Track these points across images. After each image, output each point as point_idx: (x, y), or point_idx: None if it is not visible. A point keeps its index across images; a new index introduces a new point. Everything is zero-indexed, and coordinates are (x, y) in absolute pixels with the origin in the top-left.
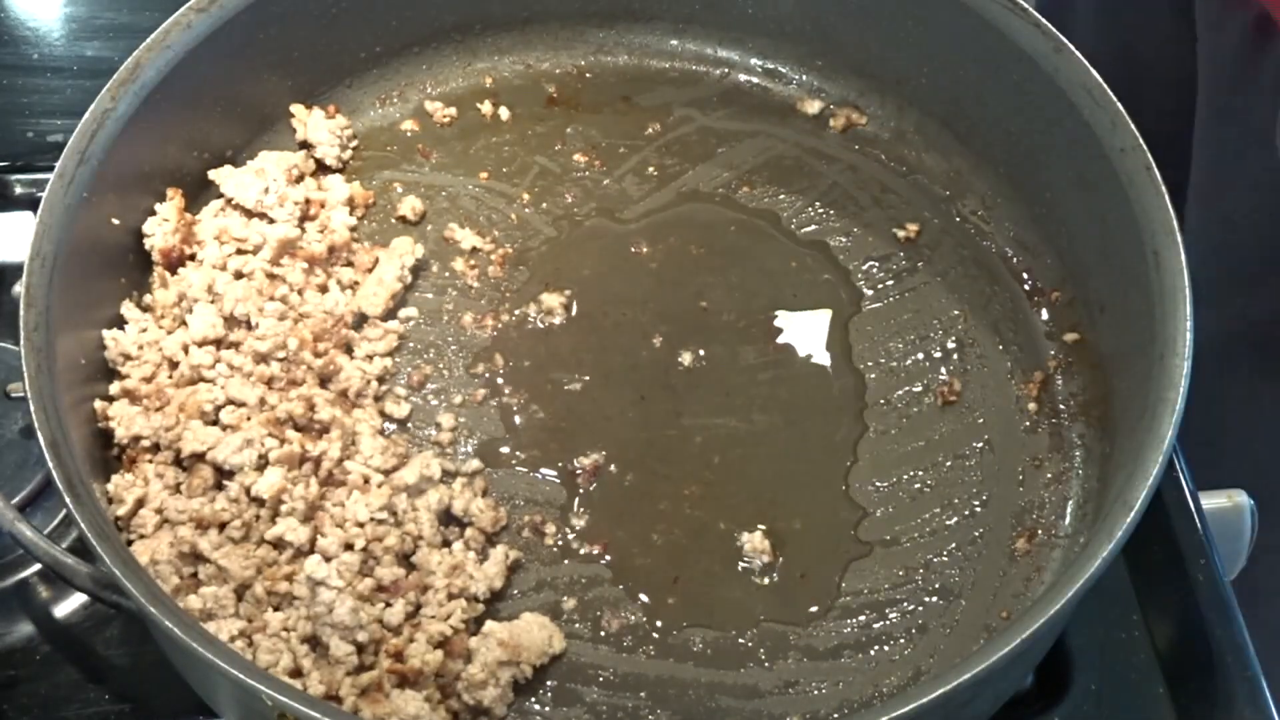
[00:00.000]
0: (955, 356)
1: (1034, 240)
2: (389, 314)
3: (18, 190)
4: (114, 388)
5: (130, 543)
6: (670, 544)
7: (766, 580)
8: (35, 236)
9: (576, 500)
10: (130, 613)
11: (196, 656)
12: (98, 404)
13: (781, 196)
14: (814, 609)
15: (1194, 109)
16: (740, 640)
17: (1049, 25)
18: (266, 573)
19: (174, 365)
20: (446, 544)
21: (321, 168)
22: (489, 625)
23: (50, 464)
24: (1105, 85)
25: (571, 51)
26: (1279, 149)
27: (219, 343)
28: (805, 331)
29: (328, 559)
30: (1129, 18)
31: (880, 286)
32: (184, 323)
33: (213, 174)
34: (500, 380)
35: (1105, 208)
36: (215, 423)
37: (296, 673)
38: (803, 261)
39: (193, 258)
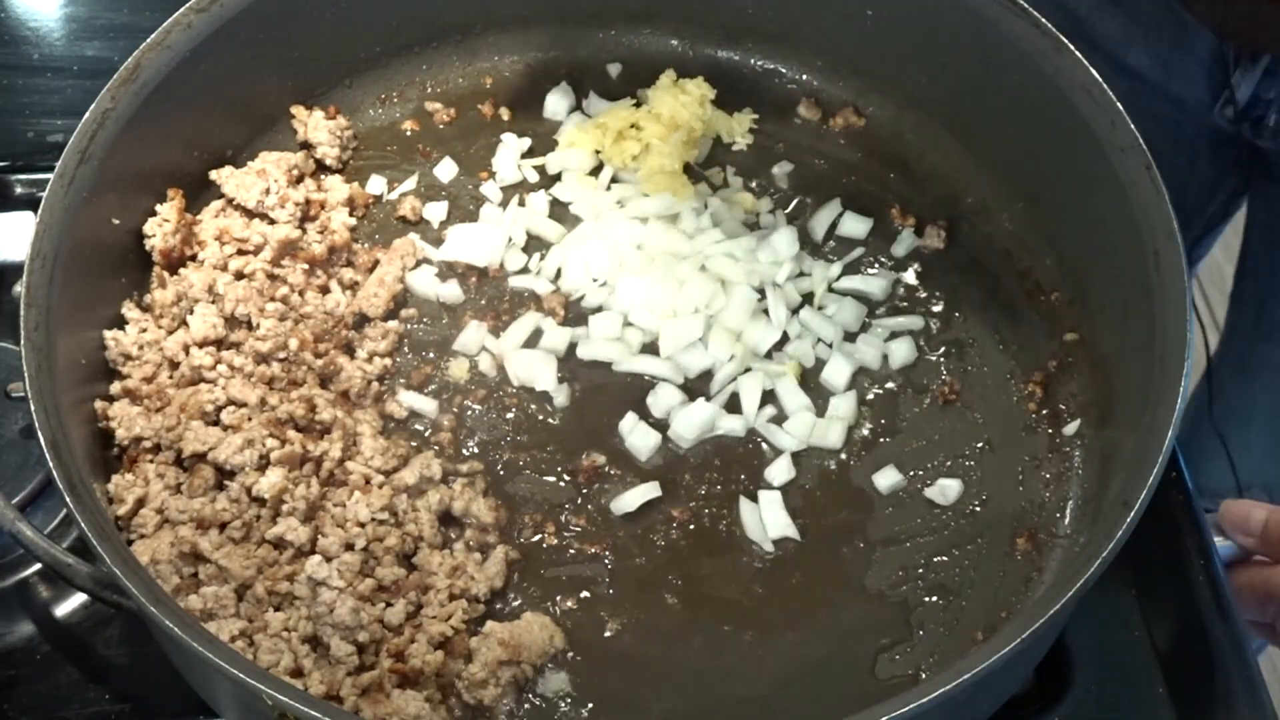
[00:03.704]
0: (955, 356)
1: (1034, 240)
2: (389, 314)
3: (18, 190)
4: (115, 388)
5: (130, 543)
6: (670, 544)
7: (766, 580)
8: (35, 236)
9: (577, 500)
10: (130, 613)
11: (197, 656)
12: (98, 404)
13: (781, 195)
14: (813, 608)
15: None
16: (740, 638)
17: (1049, 25)
18: (267, 573)
19: (174, 365)
20: (447, 544)
21: (321, 168)
22: (489, 625)
23: (50, 464)
24: (1105, 85)
25: (571, 51)
26: None
27: (220, 343)
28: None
29: (329, 559)
30: None
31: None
32: (184, 323)
33: (213, 174)
34: (500, 380)
35: (1105, 208)
36: (216, 423)
37: (297, 673)
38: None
39: (193, 258)
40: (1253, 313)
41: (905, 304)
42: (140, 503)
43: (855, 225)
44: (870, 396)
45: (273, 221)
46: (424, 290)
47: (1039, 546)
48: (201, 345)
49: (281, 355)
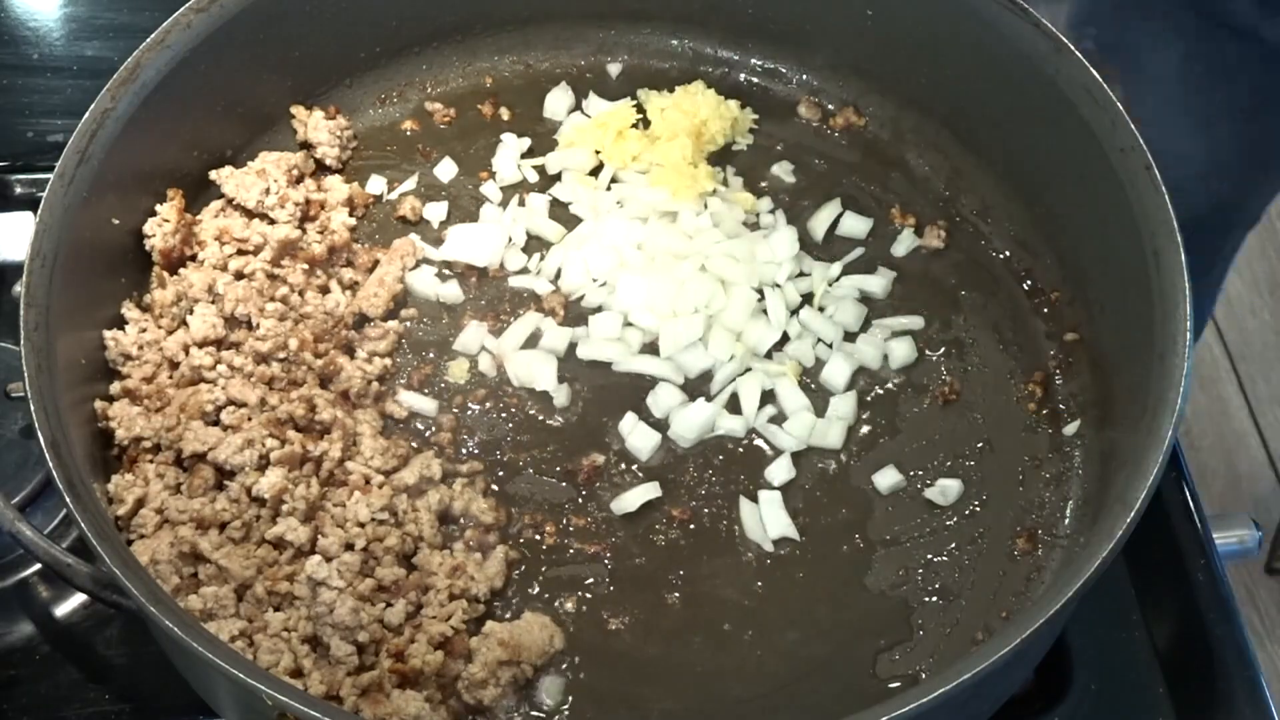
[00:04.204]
0: (955, 356)
1: (1034, 240)
2: (389, 314)
3: (18, 190)
4: (114, 388)
5: (130, 543)
6: (670, 543)
7: (766, 580)
8: (35, 236)
9: (577, 500)
10: (130, 613)
11: (197, 656)
12: (98, 404)
13: (781, 195)
14: (813, 608)
15: None
16: (740, 638)
17: (1049, 25)
18: (267, 573)
19: (174, 365)
20: (447, 544)
21: (321, 168)
22: (489, 625)
23: (50, 464)
24: (1104, 85)
25: (571, 51)
26: None
27: (219, 343)
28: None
29: (328, 559)
30: None
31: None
32: (184, 323)
33: (213, 174)
34: (500, 380)
35: (1105, 208)
36: (216, 423)
37: (297, 673)
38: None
39: (193, 258)
40: None
41: (905, 304)
42: (140, 503)
43: (855, 225)
44: (870, 396)
45: (273, 221)
46: (424, 290)
47: (1039, 546)
48: (201, 345)
49: (281, 355)
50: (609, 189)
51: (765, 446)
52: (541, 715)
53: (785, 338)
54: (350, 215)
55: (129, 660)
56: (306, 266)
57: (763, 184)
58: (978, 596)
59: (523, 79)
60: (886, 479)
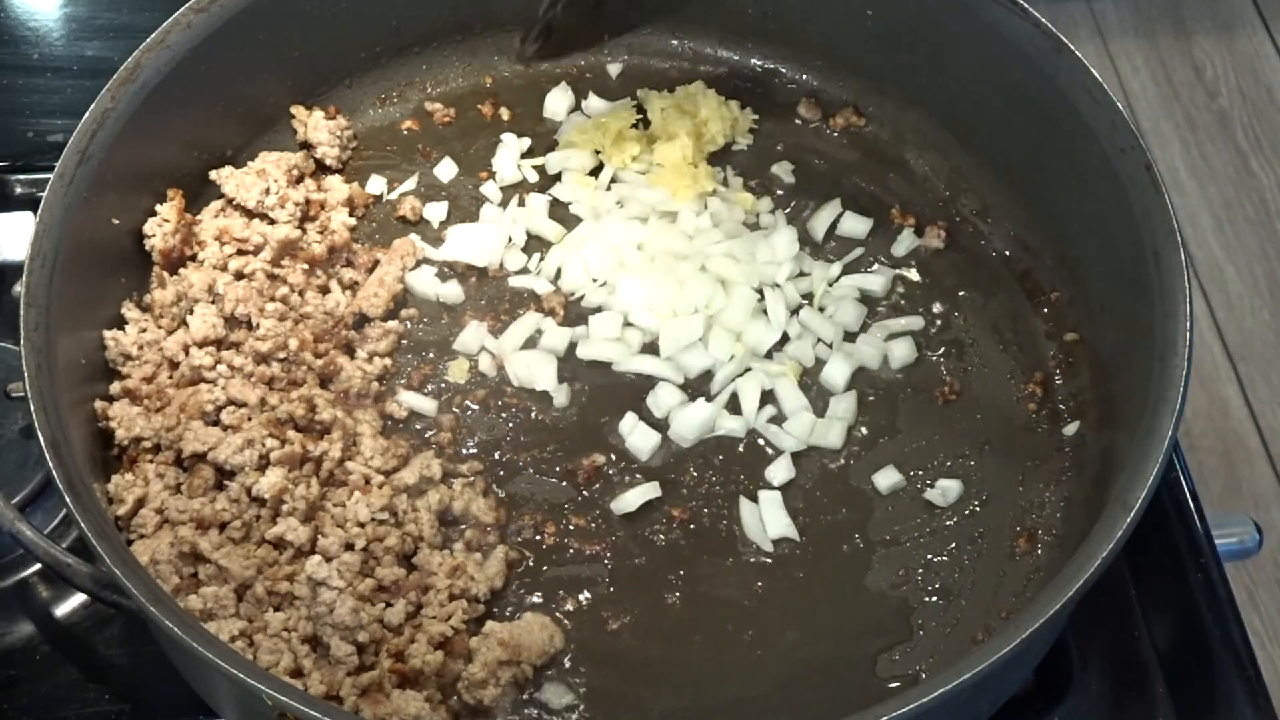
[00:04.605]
0: (955, 356)
1: (1034, 240)
2: (389, 314)
3: (18, 190)
4: (114, 388)
5: (130, 543)
6: (670, 543)
7: (766, 580)
8: (35, 236)
9: (577, 500)
10: (130, 613)
11: (197, 656)
12: (98, 404)
13: (781, 195)
14: (813, 608)
15: None
16: (740, 638)
17: (1049, 25)
18: (267, 573)
19: (174, 365)
20: (447, 544)
21: (321, 168)
22: (489, 625)
23: (50, 464)
24: (1105, 85)
25: (571, 52)
26: None
27: (219, 343)
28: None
29: (328, 559)
30: None
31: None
32: (184, 323)
33: (213, 174)
34: (500, 380)
35: (1105, 208)
36: (216, 423)
37: (297, 673)
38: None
39: (193, 258)
40: None
41: (905, 304)
42: (140, 503)
43: (855, 225)
44: (870, 397)
45: (273, 221)
46: (424, 290)
47: (1039, 546)
48: (201, 345)
49: (281, 355)
50: (609, 189)
51: (765, 446)
52: (541, 716)
53: (785, 338)
54: (350, 215)
55: (129, 660)
56: (306, 266)
57: (763, 184)
58: (978, 596)
59: (523, 79)
60: (886, 479)
